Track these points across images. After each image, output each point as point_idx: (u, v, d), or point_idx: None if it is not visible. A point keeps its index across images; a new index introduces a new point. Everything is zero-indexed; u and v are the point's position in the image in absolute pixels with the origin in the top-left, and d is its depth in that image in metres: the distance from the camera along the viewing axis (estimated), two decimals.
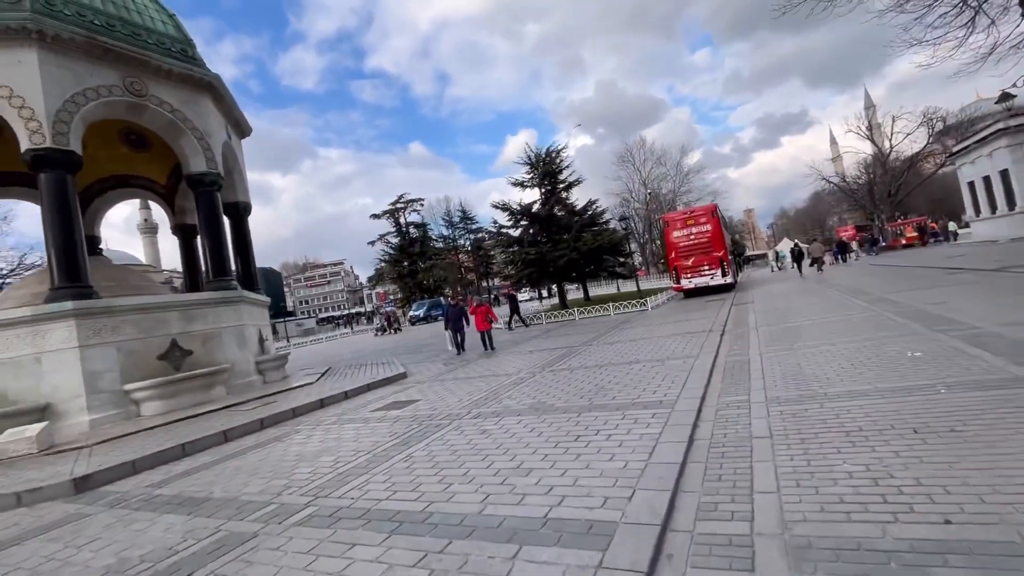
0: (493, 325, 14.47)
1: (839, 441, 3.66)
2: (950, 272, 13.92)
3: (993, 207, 23.20)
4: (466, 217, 68.35)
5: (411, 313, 46.80)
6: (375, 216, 62.87)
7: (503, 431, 5.43)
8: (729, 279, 22.21)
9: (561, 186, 26.79)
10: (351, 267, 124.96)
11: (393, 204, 61.70)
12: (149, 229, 72.01)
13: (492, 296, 67.12)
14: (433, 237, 66.41)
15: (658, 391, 6.08)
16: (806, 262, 24.44)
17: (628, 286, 45.69)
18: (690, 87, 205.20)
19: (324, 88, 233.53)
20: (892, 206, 41.13)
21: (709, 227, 22.19)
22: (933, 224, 40.36)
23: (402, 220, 62.16)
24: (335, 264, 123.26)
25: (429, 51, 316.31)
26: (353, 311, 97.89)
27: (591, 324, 17.44)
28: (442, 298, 63.95)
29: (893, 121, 39.97)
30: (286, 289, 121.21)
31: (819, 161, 73.62)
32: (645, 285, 45.26)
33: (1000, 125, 20.62)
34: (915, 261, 20.65)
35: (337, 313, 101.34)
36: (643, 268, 62.69)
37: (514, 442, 4.95)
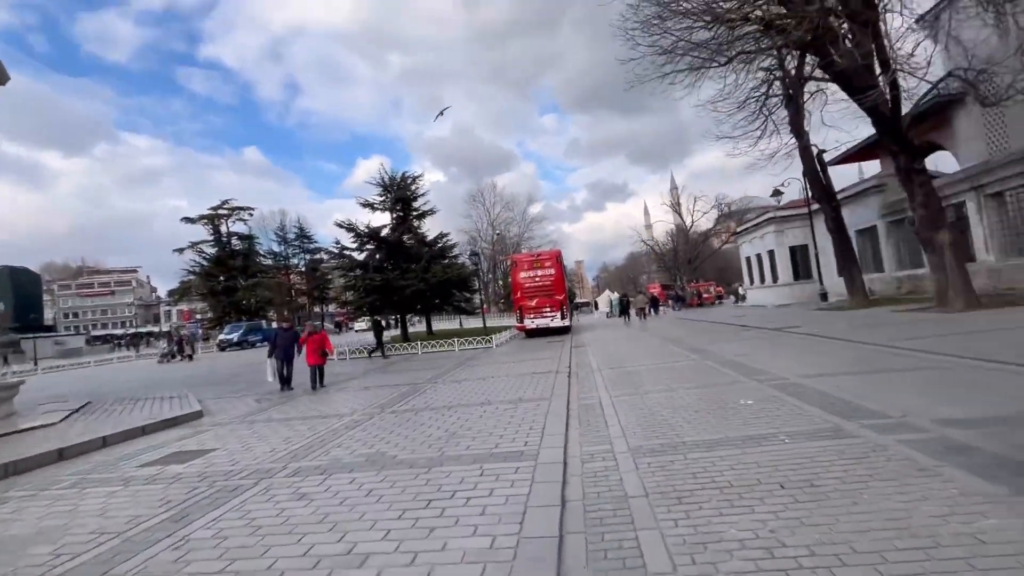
0: (329, 357, 12.68)
1: (717, 500, 3.41)
2: (742, 328, 16.52)
3: (763, 278, 29.15)
4: (303, 235, 62.42)
5: (222, 337, 40.15)
6: (188, 220, 53.81)
7: (330, 495, 4.22)
8: (567, 322, 23.51)
9: (414, 214, 25.95)
10: (147, 277, 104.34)
11: (215, 209, 53.58)
12: None
13: (334, 323, 61.82)
14: (261, 252, 59.08)
15: (517, 438, 5.48)
16: (632, 311, 27.34)
17: (470, 322, 46.09)
18: (537, 145, 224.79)
19: (141, 66, 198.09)
20: (691, 270, 49.47)
21: (553, 271, 23.38)
22: (719, 288, 49.41)
23: (224, 229, 54.21)
24: (125, 271, 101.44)
25: (281, 55, 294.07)
26: (141, 330, 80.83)
27: (435, 359, 16.56)
28: (264, 321, 56.53)
29: (695, 201, 48.85)
30: (47, 297, 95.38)
31: (637, 227, 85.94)
32: (488, 323, 46.36)
33: (770, 214, 26.27)
34: (711, 317, 24.45)
35: (119, 331, 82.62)
36: (486, 306, 64.10)
37: (345, 511, 3.81)
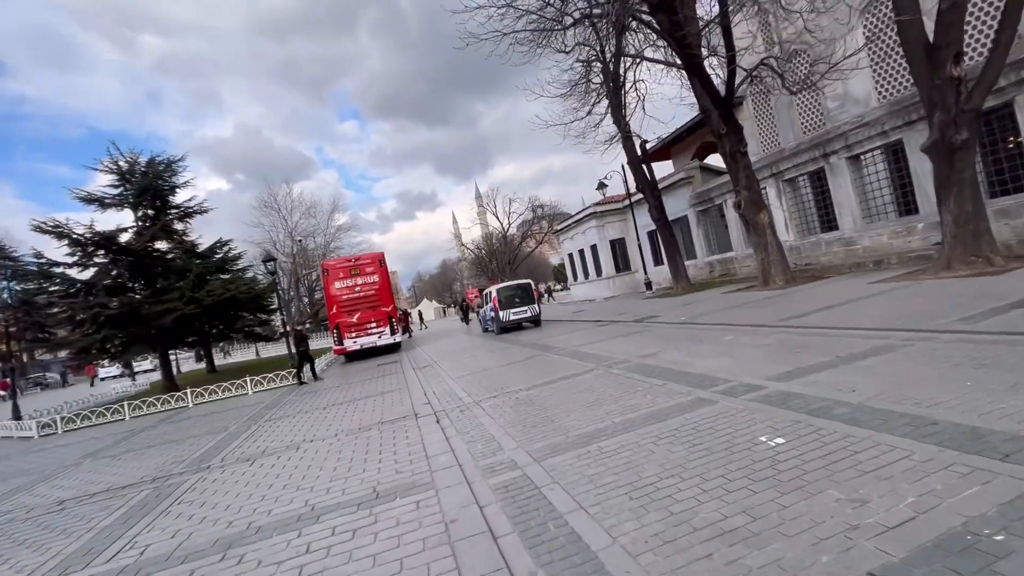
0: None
1: None
2: (597, 324, 15.19)
3: (587, 273, 29.74)
4: (49, 263, 44.53)
5: None
6: None
7: None
8: (398, 337, 19.75)
9: (173, 213, 18.93)
10: None
11: None
12: None
13: (59, 373, 45.50)
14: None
15: None
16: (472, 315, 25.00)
17: (271, 350, 37.96)
18: (338, 152, 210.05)
19: None
20: (512, 271, 49.73)
21: (377, 277, 19.37)
22: (539, 286, 50.77)
23: None
24: None
25: None
26: None
27: (215, 415, 11.27)
28: None
29: (511, 203, 49.26)
30: None
31: (453, 233, 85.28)
32: (284, 349, 38.69)
33: (591, 209, 26.73)
34: (551, 315, 23.40)
35: None
36: (290, 327, 55.16)
37: None
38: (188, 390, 13.96)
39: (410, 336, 28.82)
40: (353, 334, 18.86)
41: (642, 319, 13.58)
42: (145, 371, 46.97)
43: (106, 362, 32.57)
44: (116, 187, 17.71)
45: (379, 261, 19.76)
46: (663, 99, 32.57)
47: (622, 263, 27.11)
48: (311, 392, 12.10)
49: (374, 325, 19.06)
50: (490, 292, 19.47)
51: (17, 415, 14.52)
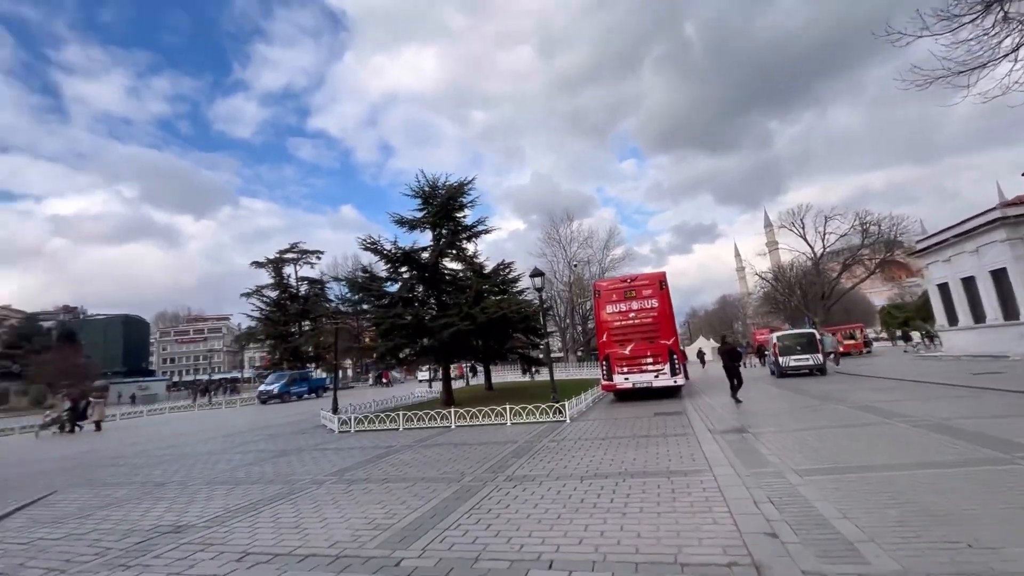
0: None
1: None
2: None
3: (977, 315, 19.12)
4: (371, 276, 59.43)
5: (261, 388, 36.16)
6: (258, 264, 52.49)
7: None
8: (680, 379, 15.60)
9: (464, 234, 19.79)
10: (239, 325, 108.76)
11: (281, 253, 52.09)
12: None
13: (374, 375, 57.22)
14: (333, 299, 56.45)
15: None
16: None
17: (544, 374, 38.40)
18: (617, 190, 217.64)
19: (260, 139, 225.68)
20: (825, 309, 38.50)
21: (656, 303, 15.82)
22: (864, 332, 37.83)
23: (290, 272, 52.30)
24: (219, 319, 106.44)
25: (376, 120, 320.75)
26: (223, 376, 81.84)
27: (464, 448, 9.57)
28: (317, 370, 53.09)
29: (826, 221, 38.39)
30: (153, 344, 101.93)
31: (746, 260, 74.56)
32: (562, 375, 38.30)
33: (998, 213, 16.81)
34: (907, 373, 15.25)
35: (204, 377, 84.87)
36: (564, 355, 56.60)
37: None
38: (452, 410, 13.15)
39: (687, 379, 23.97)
40: (625, 369, 15.69)
41: None
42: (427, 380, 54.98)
43: (423, 368, 38.37)
44: (421, 210, 19.43)
45: (659, 283, 16.18)
46: None
47: None
48: (574, 432, 9.31)
49: (650, 361, 15.47)
50: (770, 339, 20.68)
51: (335, 408, 16.53)
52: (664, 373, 15.24)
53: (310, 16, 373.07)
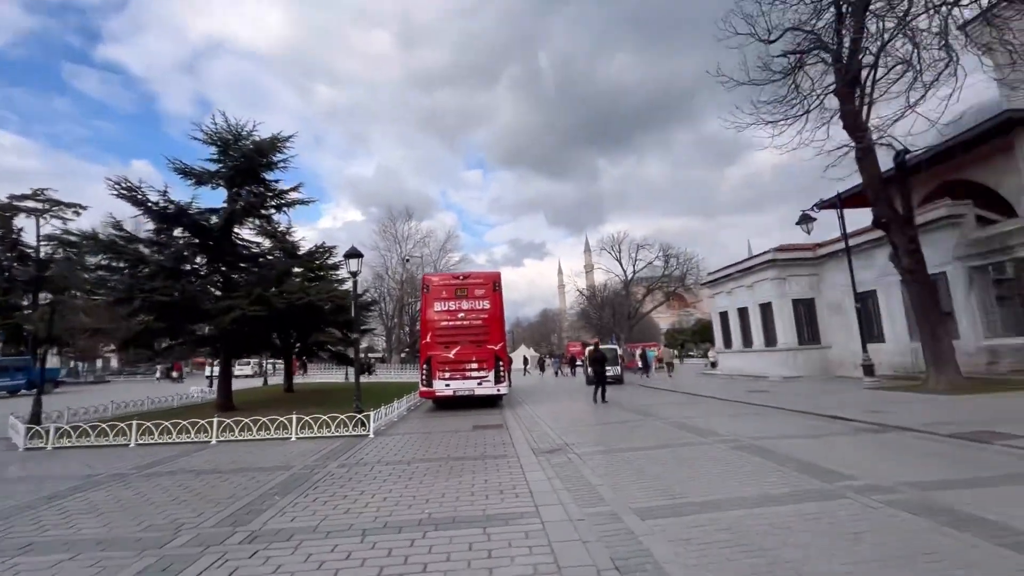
0: None
1: None
2: (876, 429, 8.77)
3: (747, 340, 22.58)
4: (129, 237, 48.11)
5: None
6: None
7: None
8: (504, 387, 14.64)
9: (271, 198, 16.12)
10: None
11: (13, 198, 38.86)
12: None
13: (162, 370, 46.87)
14: (93, 266, 43.86)
15: None
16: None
17: (377, 375, 35.19)
18: (460, 197, 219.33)
19: (19, 53, 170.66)
20: (630, 328, 43.03)
21: (488, 304, 14.68)
22: (659, 351, 43.17)
23: (25, 227, 39.23)
24: None
25: (195, 68, 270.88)
26: None
27: (216, 475, 6.74)
28: (54, 355, 41.54)
29: (638, 249, 43.05)
30: None
31: (552, 285, 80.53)
32: (383, 377, 35.47)
33: (770, 256, 20.03)
34: (715, 393, 16.86)
35: None
36: (385, 358, 53.44)
37: None
38: (215, 419, 9.88)
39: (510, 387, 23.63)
40: (447, 374, 14.15)
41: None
42: (246, 376, 47.09)
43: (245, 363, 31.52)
44: (215, 160, 15.26)
45: (493, 284, 15.09)
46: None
47: (808, 333, 19.81)
48: (374, 450, 7.27)
49: (475, 366, 14.22)
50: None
51: (36, 412, 11.57)
52: (488, 380, 14.12)
53: None
